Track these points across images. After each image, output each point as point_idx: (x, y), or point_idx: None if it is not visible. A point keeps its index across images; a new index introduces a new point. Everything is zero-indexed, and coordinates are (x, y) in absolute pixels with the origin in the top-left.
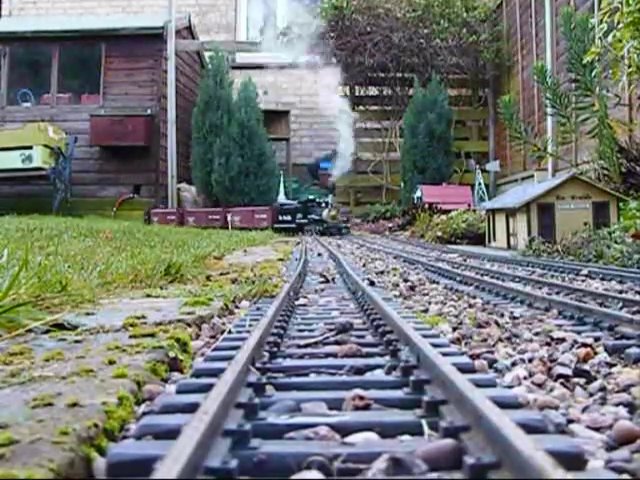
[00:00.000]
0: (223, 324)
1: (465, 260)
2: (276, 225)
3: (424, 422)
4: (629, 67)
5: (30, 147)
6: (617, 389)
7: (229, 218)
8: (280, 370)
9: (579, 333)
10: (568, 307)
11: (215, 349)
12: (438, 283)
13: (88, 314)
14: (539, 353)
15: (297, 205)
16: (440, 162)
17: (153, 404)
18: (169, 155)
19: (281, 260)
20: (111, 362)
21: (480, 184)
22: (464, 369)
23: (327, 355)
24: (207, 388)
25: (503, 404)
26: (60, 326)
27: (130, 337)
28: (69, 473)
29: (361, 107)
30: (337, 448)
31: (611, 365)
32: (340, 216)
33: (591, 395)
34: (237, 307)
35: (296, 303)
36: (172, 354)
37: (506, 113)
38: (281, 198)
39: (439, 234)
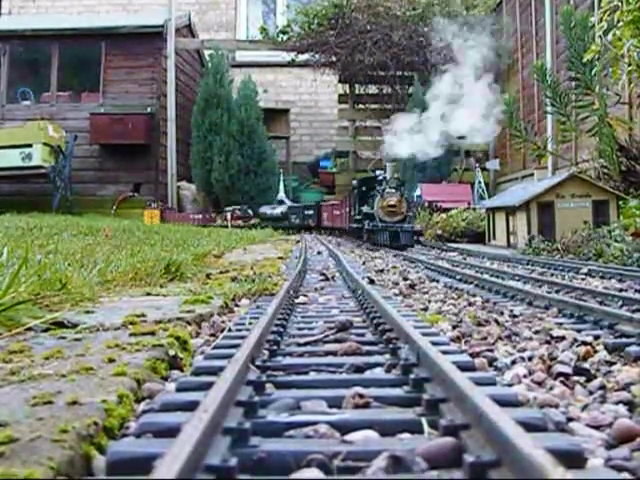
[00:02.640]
0: (223, 322)
1: (465, 258)
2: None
3: (424, 420)
4: (629, 65)
5: (30, 145)
6: (617, 387)
7: None
8: (280, 368)
9: (579, 331)
10: (568, 305)
11: (215, 347)
12: (438, 281)
13: (88, 312)
14: (539, 351)
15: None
16: (440, 160)
17: (153, 402)
18: (169, 153)
19: (281, 258)
20: (111, 360)
21: (480, 182)
22: (464, 367)
23: (327, 353)
24: (207, 386)
25: (503, 402)
26: (60, 324)
27: (130, 335)
28: (69, 471)
29: (361, 105)
30: (337, 446)
31: (611, 363)
32: (406, 209)
33: (591, 393)
34: (237, 305)
35: (296, 301)
36: (172, 352)
37: (506, 112)
38: (281, 196)
39: (439, 232)
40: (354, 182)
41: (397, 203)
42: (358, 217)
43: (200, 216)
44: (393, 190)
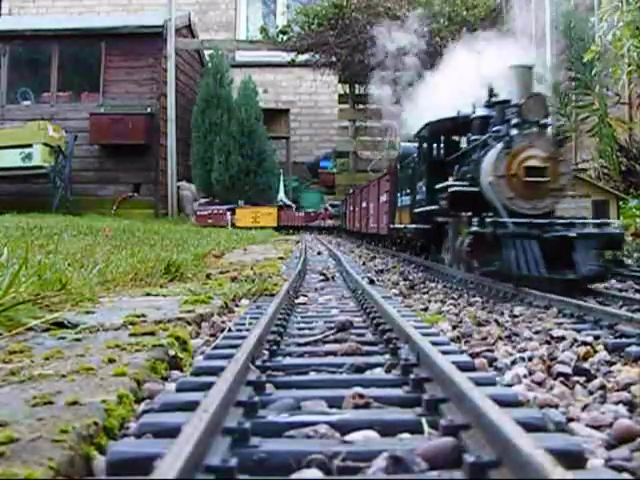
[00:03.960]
0: (223, 322)
1: None
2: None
3: (424, 420)
4: (629, 65)
5: (30, 145)
6: (617, 387)
7: None
8: (280, 368)
9: (579, 331)
10: (568, 305)
11: (215, 347)
12: (438, 282)
13: (88, 312)
14: (539, 351)
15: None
16: None
17: (153, 402)
18: (169, 154)
19: (281, 259)
20: (111, 360)
21: None
22: (464, 367)
23: (327, 353)
24: (207, 386)
25: (503, 402)
26: (60, 324)
27: (130, 335)
28: (69, 471)
29: (361, 105)
30: (337, 446)
31: (611, 363)
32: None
33: (591, 393)
34: (237, 305)
35: (296, 301)
36: (172, 352)
37: None
38: (281, 197)
39: None
40: (400, 147)
41: (548, 162)
42: (421, 209)
43: (311, 213)
44: (534, 129)
